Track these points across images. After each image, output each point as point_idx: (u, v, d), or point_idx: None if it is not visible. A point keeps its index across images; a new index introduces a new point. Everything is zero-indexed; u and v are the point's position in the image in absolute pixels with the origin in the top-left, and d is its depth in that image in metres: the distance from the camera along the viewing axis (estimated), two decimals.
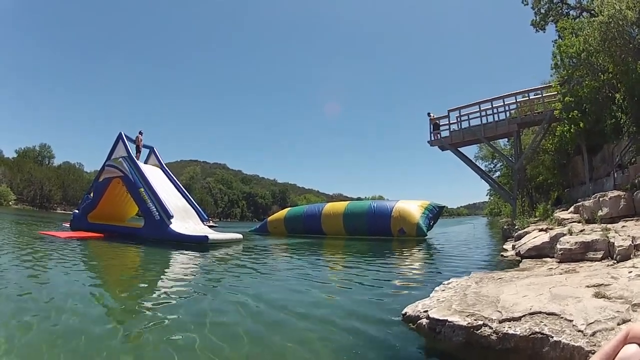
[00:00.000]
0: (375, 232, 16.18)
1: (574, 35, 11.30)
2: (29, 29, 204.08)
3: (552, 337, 2.32)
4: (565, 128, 11.97)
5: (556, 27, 13.51)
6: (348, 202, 19.85)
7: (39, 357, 2.62)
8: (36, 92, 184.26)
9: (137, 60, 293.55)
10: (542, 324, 2.46)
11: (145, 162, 15.66)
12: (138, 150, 15.34)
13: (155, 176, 14.34)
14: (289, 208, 23.05)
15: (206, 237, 11.59)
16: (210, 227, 22.12)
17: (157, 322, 3.55)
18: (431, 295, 3.73)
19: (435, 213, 17.15)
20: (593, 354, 2.03)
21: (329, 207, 18.82)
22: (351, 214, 17.36)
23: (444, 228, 27.98)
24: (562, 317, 2.48)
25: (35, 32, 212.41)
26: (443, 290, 3.84)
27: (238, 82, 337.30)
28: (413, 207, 16.18)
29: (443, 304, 3.24)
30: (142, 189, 13.06)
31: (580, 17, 16.00)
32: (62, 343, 2.88)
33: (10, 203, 61.73)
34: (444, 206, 18.57)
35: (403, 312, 3.44)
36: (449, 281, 4.22)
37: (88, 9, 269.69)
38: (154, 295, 4.79)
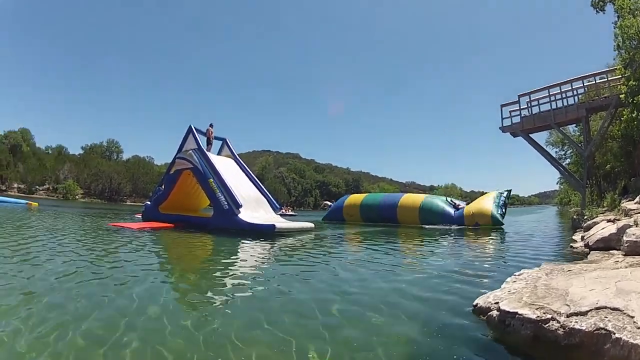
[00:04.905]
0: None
1: (631, 15, 10.62)
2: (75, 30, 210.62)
3: (615, 333, 2.25)
4: (631, 114, 11.35)
5: (614, 6, 12.57)
6: (424, 196, 20.28)
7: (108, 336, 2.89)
8: (108, 91, 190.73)
9: (204, 56, 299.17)
10: (607, 319, 2.42)
11: (218, 154, 16.23)
12: (209, 143, 15.97)
13: (226, 167, 14.69)
14: (363, 195, 23.20)
15: (273, 225, 11.88)
16: (289, 216, 22.97)
17: (222, 308, 3.84)
18: (502, 286, 3.80)
19: (504, 200, 17.42)
20: None
21: (406, 199, 19.39)
22: (427, 209, 17.96)
23: (515, 217, 27.12)
24: (624, 313, 2.44)
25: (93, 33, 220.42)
26: (514, 281, 3.88)
27: (313, 74, 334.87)
28: (485, 203, 16.85)
29: (514, 295, 3.29)
30: (211, 180, 13.37)
31: None
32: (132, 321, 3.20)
33: (77, 197, 64.80)
34: (510, 190, 18.64)
35: (474, 303, 3.58)
36: (520, 272, 4.26)
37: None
38: (216, 282, 5.03)
